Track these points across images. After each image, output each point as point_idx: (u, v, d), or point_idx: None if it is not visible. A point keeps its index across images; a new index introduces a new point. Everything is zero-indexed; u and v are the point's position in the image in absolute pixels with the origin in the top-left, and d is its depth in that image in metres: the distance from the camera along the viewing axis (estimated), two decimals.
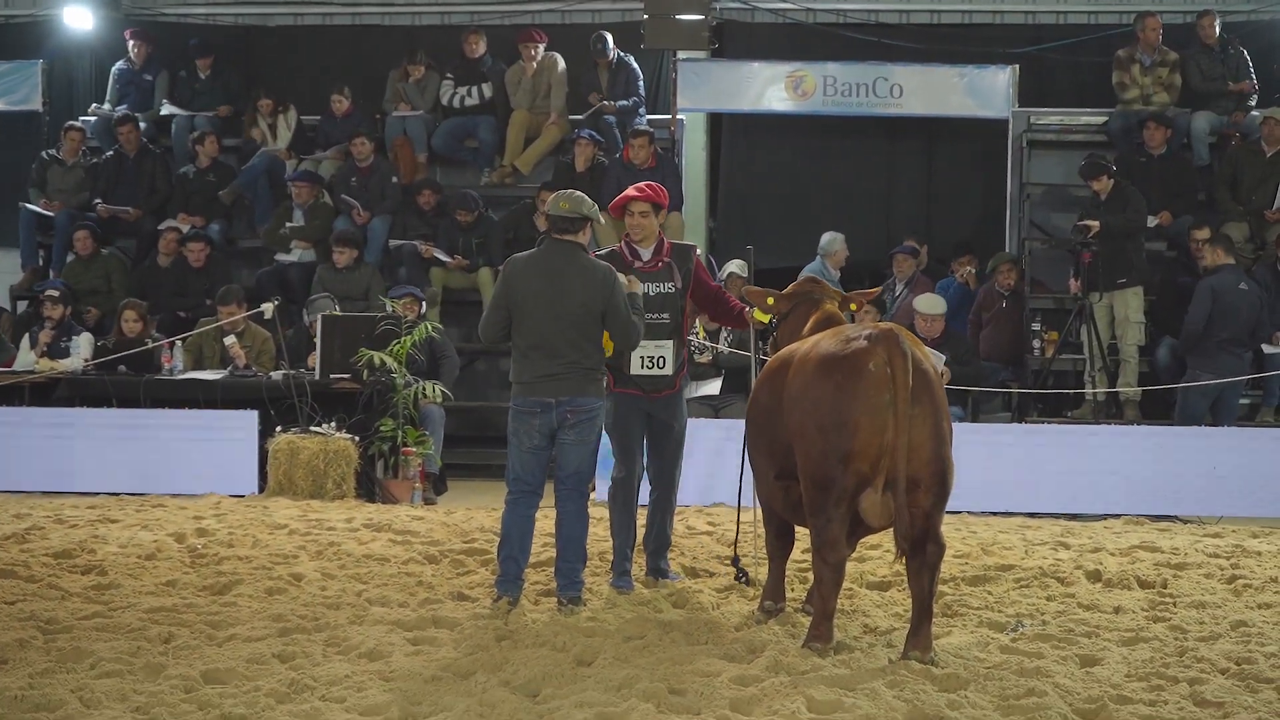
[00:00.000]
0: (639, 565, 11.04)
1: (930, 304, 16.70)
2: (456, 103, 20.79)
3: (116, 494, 15.44)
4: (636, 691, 7.51)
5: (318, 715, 7.13)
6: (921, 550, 8.42)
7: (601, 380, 10.35)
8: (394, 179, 20.08)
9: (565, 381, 10.01)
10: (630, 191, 10.96)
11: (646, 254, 10.76)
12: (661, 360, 10.62)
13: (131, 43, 21.53)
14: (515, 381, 10.20)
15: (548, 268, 10.17)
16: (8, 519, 13.63)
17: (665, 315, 10.66)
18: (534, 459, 10.15)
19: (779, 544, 9.89)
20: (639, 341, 10.30)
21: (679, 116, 20.59)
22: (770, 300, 10.21)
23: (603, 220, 10.58)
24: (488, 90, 20.74)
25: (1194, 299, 16.82)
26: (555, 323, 10.01)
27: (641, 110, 20.62)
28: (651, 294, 10.62)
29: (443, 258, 19.06)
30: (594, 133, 19.91)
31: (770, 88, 20.60)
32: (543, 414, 10.03)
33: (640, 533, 11.05)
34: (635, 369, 10.63)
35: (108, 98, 21.73)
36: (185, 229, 19.91)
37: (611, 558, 10.90)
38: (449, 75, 20.82)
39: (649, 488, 11.01)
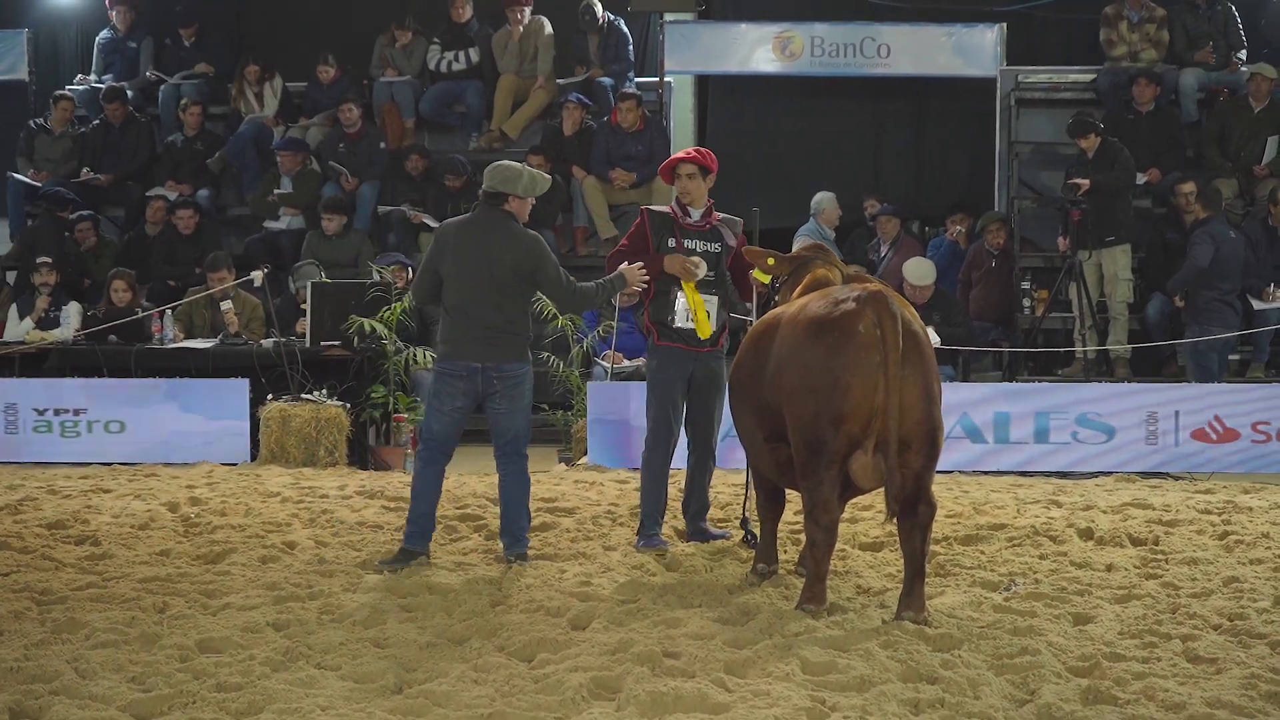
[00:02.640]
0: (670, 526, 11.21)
1: (920, 273, 16.65)
2: (444, 68, 20.75)
3: (109, 464, 15.43)
4: (631, 655, 7.52)
5: (313, 683, 7.14)
6: (913, 511, 8.44)
7: (527, 346, 10.49)
8: (381, 145, 20.07)
9: (492, 347, 10.18)
10: (679, 154, 11.15)
11: (695, 214, 10.89)
12: (707, 314, 10.69)
13: (115, 10, 21.44)
14: (441, 343, 10.44)
15: (477, 233, 10.33)
16: (1, 490, 13.63)
17: (711, 272, 10.76)
18: (453, 421, 10.41)
19: (770, 506, 9.92)
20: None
21: (666, 79, 20.57)
22: (771, 261, 10.22)
23: (532, 200, 10.62)
24: (475, 55, 20.71)
25: (1194, 243, 16.83)
26: (481, 287, 10.19)
27: (630, 74, 20.59)
28: (699, 251, 10.77)
29: (431, 223, 19.05)
30: (582, 96, 19.89)
31: (758, 49, 20.58)
32: (468, 378, 10.23)
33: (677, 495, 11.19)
34: (680, 322, 10.72)
35: (94, 67, 21.67)
36: (173, 197, 19.88)
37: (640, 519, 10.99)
38: (436, 40, 20.79)
39: (687, 449, 11.09)
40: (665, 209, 11.01)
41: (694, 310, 10.70)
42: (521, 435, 10.45)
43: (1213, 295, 16.75)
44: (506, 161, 10.84)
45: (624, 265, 10.59)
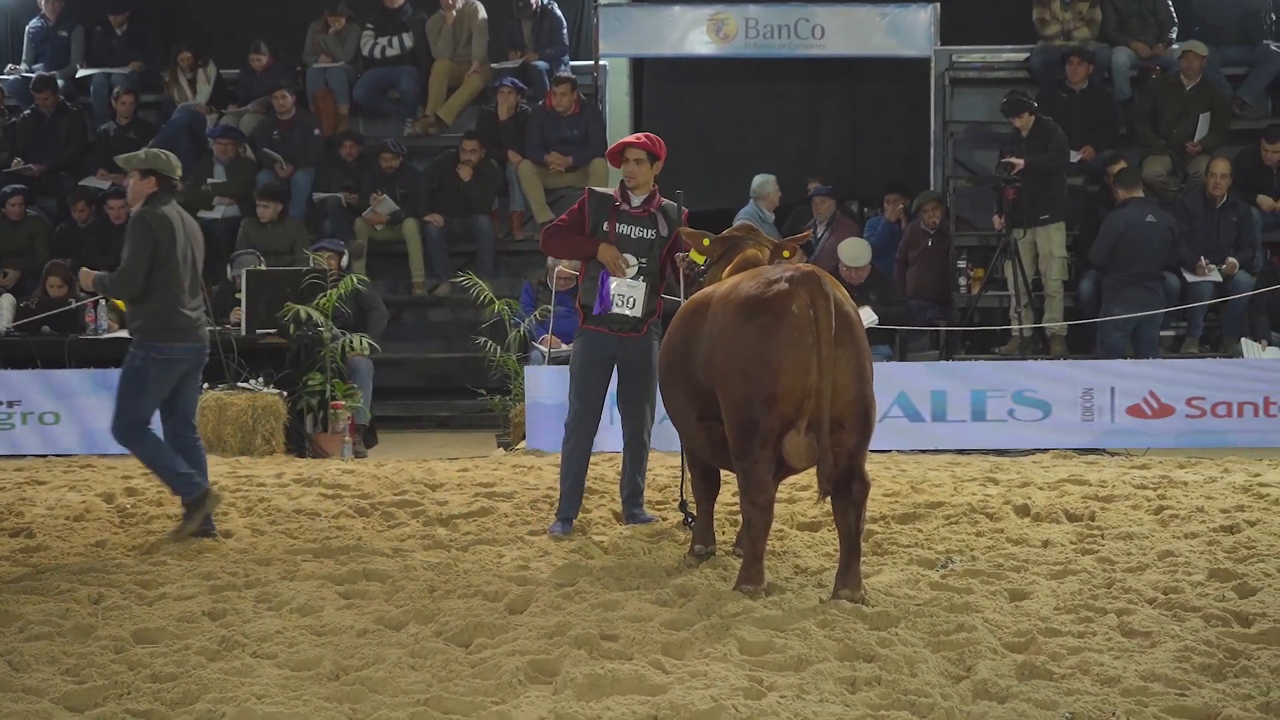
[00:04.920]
0: (595, 511, 11.24)
1: (854, 254, 16.69)
2: (377, 53, 20.71)
3: (44, 455, 15.33)
4: (569, 638, 7.51)
5: (249, 671, 7.10)
6: (847, 489, 8.44)
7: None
8: (316, 131, 20.01)
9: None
10: (628, 138, 11.16)
11: (637, 200, 10.86)
12: (633, 301, 10.70)
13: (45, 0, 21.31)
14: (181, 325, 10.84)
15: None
16: None
17: (644, 259, 10.76)
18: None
19: (705, 487, 9.93)
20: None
21: (601, 62, 20.56)
22: (706, 242, 10.22)
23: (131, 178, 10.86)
24: (408, 40, 20.68)
25: (1099, 233, 17.01)
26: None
27: (564, 57, 20.56)
28: (633, 237, 10.77)
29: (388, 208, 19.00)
30: (517, 80, 19.86)
31: (692, 31, 20.57)
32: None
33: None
34: (615, 308, 10.74)
35: (24, 56, 21.52)
36: (106, 186, 19.76)
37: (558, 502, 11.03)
38: (369, 26, 20.75)
39: (622, 431, 11.10)
40: (609, 191, 11.01)
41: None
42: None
43: (1120, 277, 16.88)
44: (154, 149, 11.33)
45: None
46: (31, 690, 6.83)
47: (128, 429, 10.82)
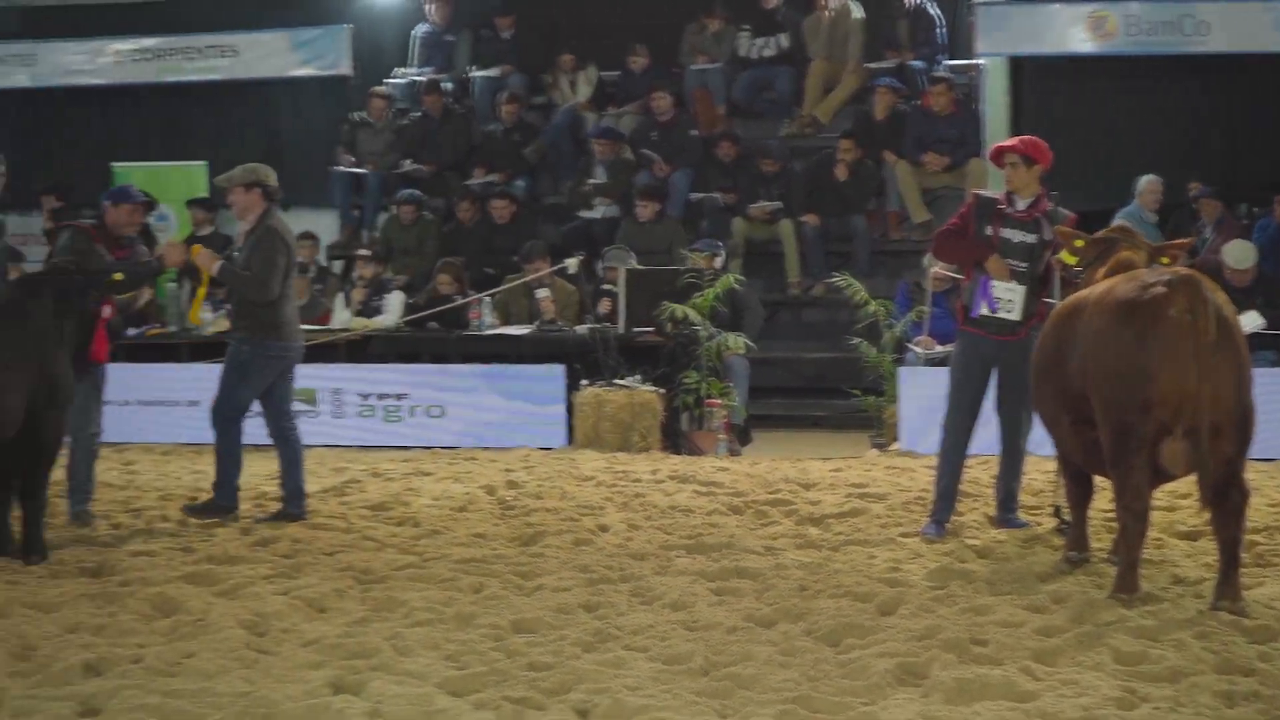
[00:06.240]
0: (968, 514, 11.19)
1: (1239, 256, 16.15)
2: (754, 54, 20.84)
3: (430, 448, 15.83)
4: (938, 642, 7.50)
5: (622, 664, 7.25)
6: (1225, 498, 8.23)
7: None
8: (693, 132, 20.19)
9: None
10: (1004, 142, 11.13)
11: (1022, 204, 10.73)
12: (1013, 305, 10.63)
13: (433, 5, 21.95)
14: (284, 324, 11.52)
15: None
16: (327, 473, 14.09)
17: (1024, 264, 10.64)
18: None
19: (1078, 492, 9.77)
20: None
21: (979, 62, 20.34)
22: (1079, 243, 10.06)
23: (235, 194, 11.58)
24: (785, 40, 20.75)
25: None
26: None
27: (941, 57, 20.41)
28: (1015, 241, 10.66)
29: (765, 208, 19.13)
30: (893, 80, 19.78)
31: (1071, 29, 20.13)
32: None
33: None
34: (995, 310, 10.69)
35: (413, 60, 22.22)
36: (491, 181, 20.29)
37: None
38: (745, 27, 20.87)
39: (1000, 434, 11.02)
40: (995, 195, 10.92)
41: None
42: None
43: None
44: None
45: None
46: (414, 674, 7.08)
47: (224, 416, 11.55)
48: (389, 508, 12.11)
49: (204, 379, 12.12)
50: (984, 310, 10.67)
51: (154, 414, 16.42)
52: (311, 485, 13.02)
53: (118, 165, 20.76)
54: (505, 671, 7.13)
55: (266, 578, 9.28)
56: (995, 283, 10.60)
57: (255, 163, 11.82)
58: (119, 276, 10.62)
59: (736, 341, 15.99)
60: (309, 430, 16.07)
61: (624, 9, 22.10)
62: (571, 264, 17.19)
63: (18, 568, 9.68)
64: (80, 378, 10.77)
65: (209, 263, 11.50)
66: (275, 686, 6.83)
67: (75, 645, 7.59)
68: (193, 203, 20.16)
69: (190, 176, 21.19)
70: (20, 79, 23.31)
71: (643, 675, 7.05)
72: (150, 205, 11.97)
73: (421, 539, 10.76)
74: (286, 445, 11.75)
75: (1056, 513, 10.72)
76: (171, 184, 20.93)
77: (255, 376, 11.49)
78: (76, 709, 6.56)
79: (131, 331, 15.91)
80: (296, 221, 21.58)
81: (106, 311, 10.64)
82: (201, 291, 12.66)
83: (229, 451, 11.57)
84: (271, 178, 11.59)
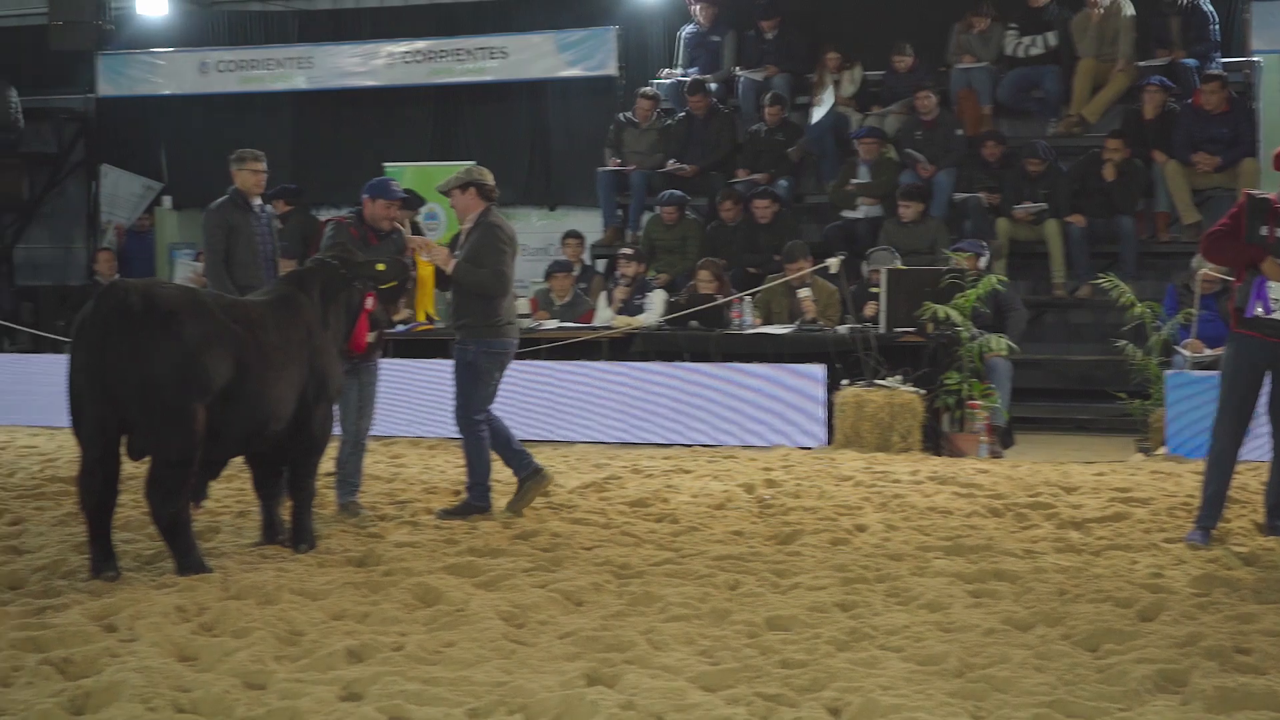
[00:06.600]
0: (1235, 521, 11.00)
1: None
2: (1021, 53, 20.60)
3: (690, 446, 15.93)
4: (1200, 649, 7.36)
5: (876, 663, 7.24)
6: None
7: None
8: (958, 132, 20.03)
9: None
10: None
11: None
12: None
13: (698, 6, 22.08)
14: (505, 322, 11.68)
15: None
16: (588, 469, 14.28)
17: None
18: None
19: None
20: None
21: (1254, 59, 19.87)
22: None
23: (454, 197, 11.75)
24: (1053, 39, 20.48)
25: None
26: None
27: (1215, 54, 19.98)
28: None
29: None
30: (1164, 78, 19.41)
31: None
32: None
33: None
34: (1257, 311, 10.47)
35: (678, 61, 22.39)
36: (754, 181, 20.36)
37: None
38: (1013, 25, 20.65)
39: (1271, 440, 10.74)
40: (1268, 195, 10.65)
41: None
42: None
43: None
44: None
45: None
46: (668, 668, 7.15)
47: (468, 419, 11.69)
48: (648, 504, 12.22)
49: None
50: (1258, 312, 10.41)
51: (421, 409, 16.81)
52: (572, 481, 13.26)
53: (389, 165, 21.22)
54: (758, 668, 7.17)
55: (526, 570, 9.43)
56: (1271, 284, 10.34)
57: (473, 164, 12.14)
58: (381, 267, 10.89)
59: (999, 343, 15.84)
60: (578, 427, 16.43)
61: (890, 9, 22.01)
62: (833, 264, 17.15)
63: (287, 556, 9.99)
64: (351, 372, 11.09)
65: (445, 261, 11.72)
66: (531, 677, 6.95)
67: (340, 632, 7.82)
68: None
69: None
70: (297, 81, 24.03)
71: (896, 675, 7.03)
72: (412, 201, 12.22)
73: (679, 535, 10.85)
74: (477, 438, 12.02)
75: None
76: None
77: (486, 375, 11.67)
78: (339, 693, 6.74)
79: (401, 327, 16.26)
80: (562, 221, 22.07)
81: (369, 304, 10.90)
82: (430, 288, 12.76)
83: (478, 453, 11.76)
84: (487, 177, 11.79)
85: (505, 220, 11.87)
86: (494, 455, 11.78)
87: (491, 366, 11.68)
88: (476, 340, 11.62)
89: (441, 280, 11.78)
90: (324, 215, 20.16)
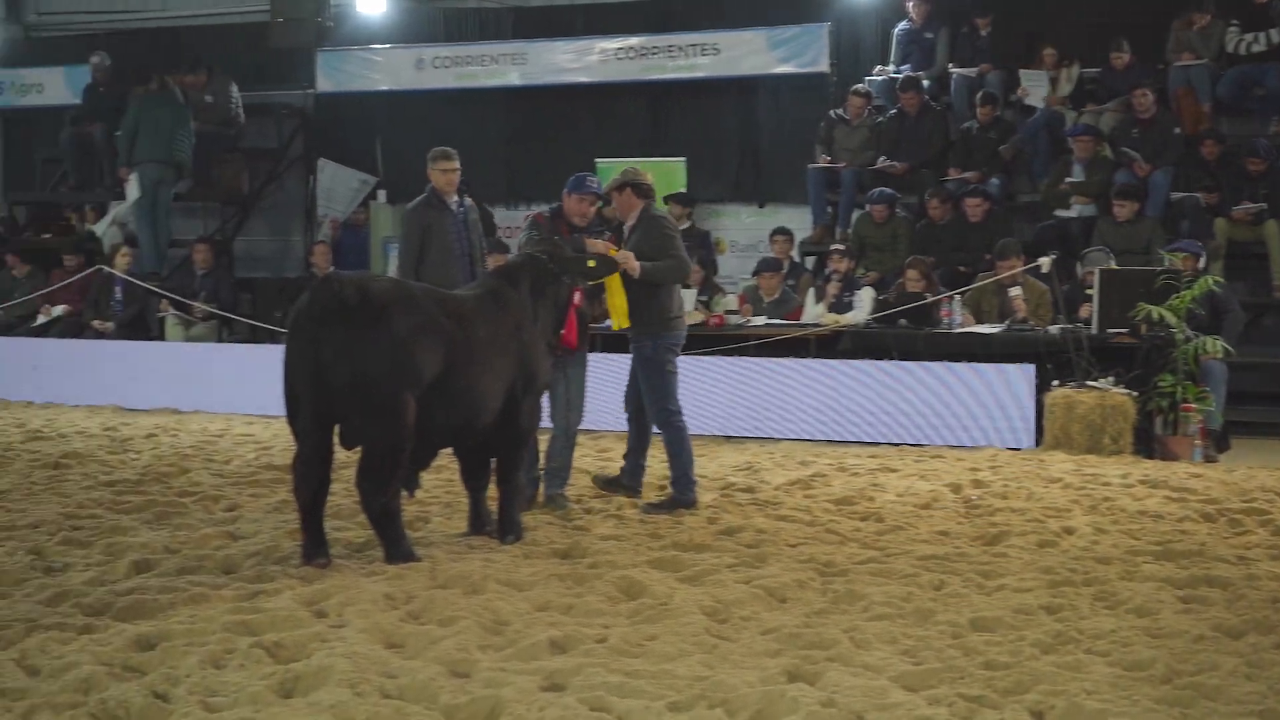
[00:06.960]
0: None
1: None
2: (1242, 50, 20.19)
3: (897, 444, 15.86)
4: None
5: (1081, 667, 7.16)
6: None
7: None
8: (1176, 130, 19.69)
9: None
10: None
11: None
12: None
13: (911, 2, 21.96)
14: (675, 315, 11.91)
15: None
16: (794, 466, 14.28)
17: None
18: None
19: None
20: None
21: None
22: None
23: (614, 198, 12.02)
24: (1275, 36, 20.04)
25: None
26: None
27: None
28: None
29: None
30: None
31: None
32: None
33: None
34: None
35: (891, 58, 22.28)
36: (965, 179, 20.20)
37: None
38: (1234, 22, 20.25)
39: None
40: None
41: None
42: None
43: None
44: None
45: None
46: (870, 667, 7.13)
47: (664, 415, 11.88)
48: (853, 502, 12.19)
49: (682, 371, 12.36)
50: None
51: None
52: (777, 478, 13.28)
53: (601, 161, 21.36)
54: (961, 669, 7.13)
55: (730, 566, 9.46)
56: None
57: (632, 165, 12.40)
58: (591, 263, 10.99)
59: (1215, 345, 15.55)
60: (785, 424, 16.43)
61: (1107, 6, 21.69)
62: (1045, 263, 16.94)
63: (494, 546, 10.11)
64: (559, 365, 11.20)
65: (632, 264, 11.72)
66: (733, 672, 6.97)
67: (544, 623, 7.89)
68: (670, 197, 20.57)
69: (670, 172, 21.63)
70: (511, 77, 24.24)
71: (1101, 680, 6.95)
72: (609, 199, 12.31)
73: (884, 534, 10.81)
74: (641, 430, 12.28)
75: None
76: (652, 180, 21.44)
77: (668, 366, 11.87)
78: (541, 683, 6.81)
79: (607, 322, 16.35)
80: (771, 217, 22.07)
81: (577, 299, 11.00)
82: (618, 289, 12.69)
83: (679, 446, 11.87)
84: (643, 176, 12.03)
85: (666, 215, 12.08)
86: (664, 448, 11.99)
87: (671, 358, 11.89)
88: (652, 336, 11.80)
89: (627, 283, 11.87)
90: (533, 210, 20.35)
